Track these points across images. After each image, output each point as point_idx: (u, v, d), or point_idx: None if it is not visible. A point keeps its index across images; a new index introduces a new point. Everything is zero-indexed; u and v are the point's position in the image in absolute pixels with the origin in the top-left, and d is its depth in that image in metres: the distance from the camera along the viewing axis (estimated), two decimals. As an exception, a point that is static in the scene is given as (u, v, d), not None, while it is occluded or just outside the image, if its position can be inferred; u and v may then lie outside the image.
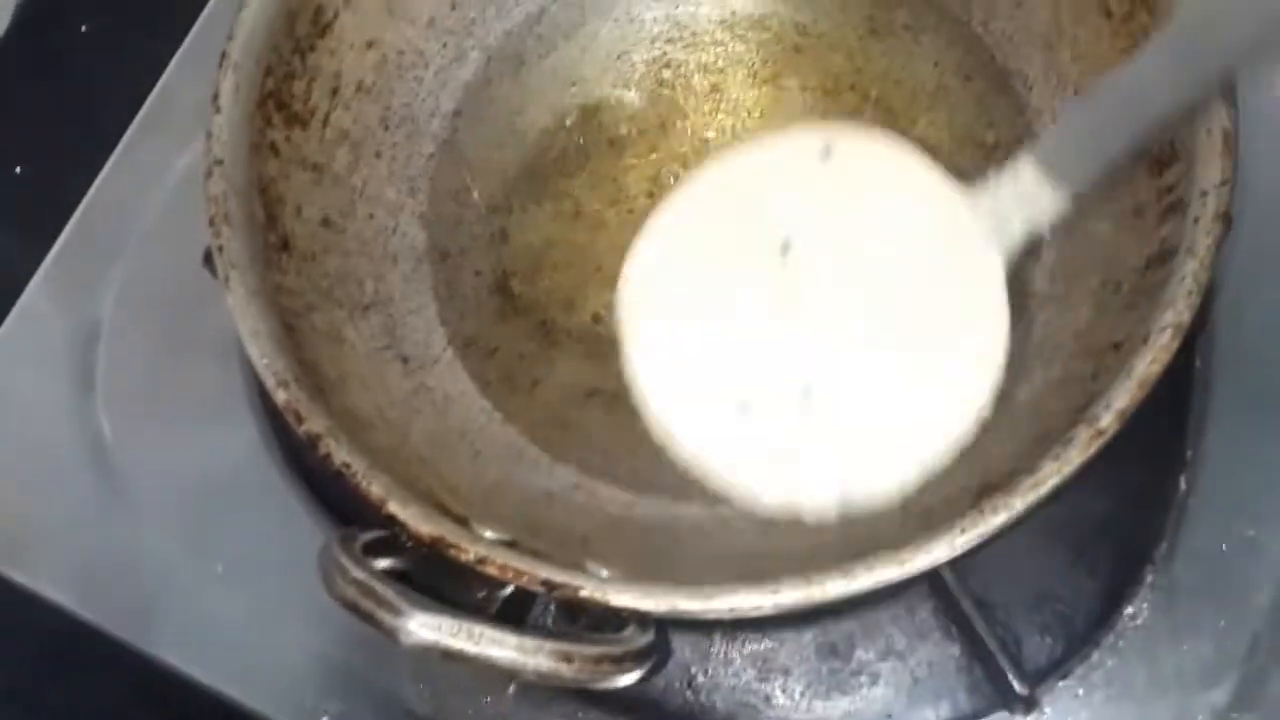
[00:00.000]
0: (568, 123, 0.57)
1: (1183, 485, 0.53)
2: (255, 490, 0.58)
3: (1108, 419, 0.42)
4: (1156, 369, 0.42)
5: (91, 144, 0.66)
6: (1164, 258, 0.44)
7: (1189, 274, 0.42)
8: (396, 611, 0.39)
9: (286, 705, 0.55)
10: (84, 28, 0.74)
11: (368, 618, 0.39)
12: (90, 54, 0.72)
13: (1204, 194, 0.43)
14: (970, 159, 0.54)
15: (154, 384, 0.60)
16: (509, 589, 0.44)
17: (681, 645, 0.54)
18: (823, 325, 0.43)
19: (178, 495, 0.58)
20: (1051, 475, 0.41)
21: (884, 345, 0.44)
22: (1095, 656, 0.52)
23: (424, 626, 0.39)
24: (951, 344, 0.43)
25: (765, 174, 0.45)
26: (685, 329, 0.45)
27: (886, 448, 0.44)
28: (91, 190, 0.64)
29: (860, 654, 0.53)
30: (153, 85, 0.67)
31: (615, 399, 0.54)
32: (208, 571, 0.57)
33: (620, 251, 0.56)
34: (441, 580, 0.45)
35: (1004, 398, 0.49)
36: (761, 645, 0.53)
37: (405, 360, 0.53)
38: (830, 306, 0.44)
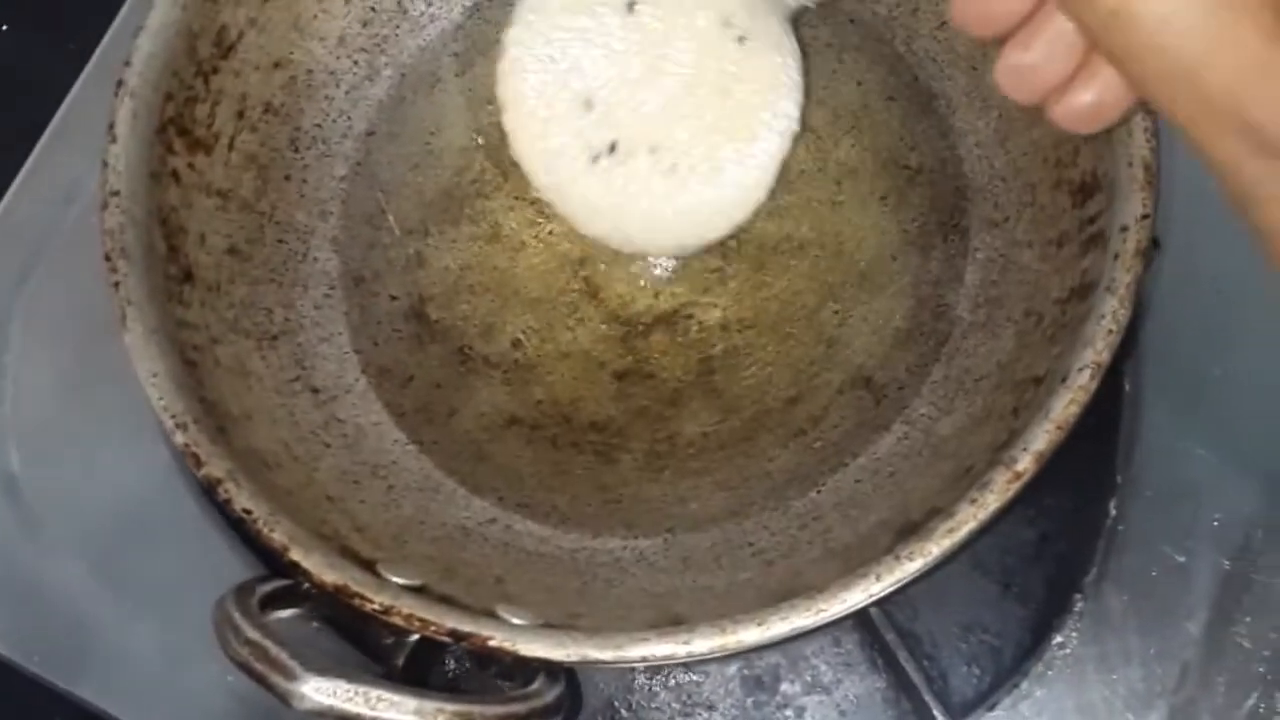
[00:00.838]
0: (484, 142, 0.56)
1: (1112, 511, 0.53)
2: (169, 520, 0.57)
3: (1025, 462, 0.41)
4: (1075, 410, 0.41)
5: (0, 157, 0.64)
6: (1085, 291, 0.43)
7: (1109, 312, 0.41)
8: (290, 675, 0.38)
9: (202, 739, 0.54)
10: (4, 27, 0.71)
11: (260, 680, 0.38)
12: (6, 62, 0.70)
13: (1124, 229, 0.42)
14: (893, 182, 0.52)
15: (64, 411, 0.58)
16: (419, 633, 0.43)
17: (605, 679, 0.53)
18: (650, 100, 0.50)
19: (89, 526, 0.57)
20: (968, 520, 0.40)
21: (704, 105, 0.50)
22: (1023, 686, 0.51)
23: (318, 691, 0.38)
24: (762, 86, 0.50)
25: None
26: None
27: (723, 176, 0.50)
28: (-2, 208, 0.62)
29: (785, 687, 0.52)
30: (66, 93, 0.65)
31: (535, 429, 0.53)
32: (120, 605, 0.55)
33: (539, 275, 0.55)
34: (355, 622, 0.44)
35: (926, 431, 0.48)
36: (685, 679, 0.52)
37: (315, 391, 0.51)
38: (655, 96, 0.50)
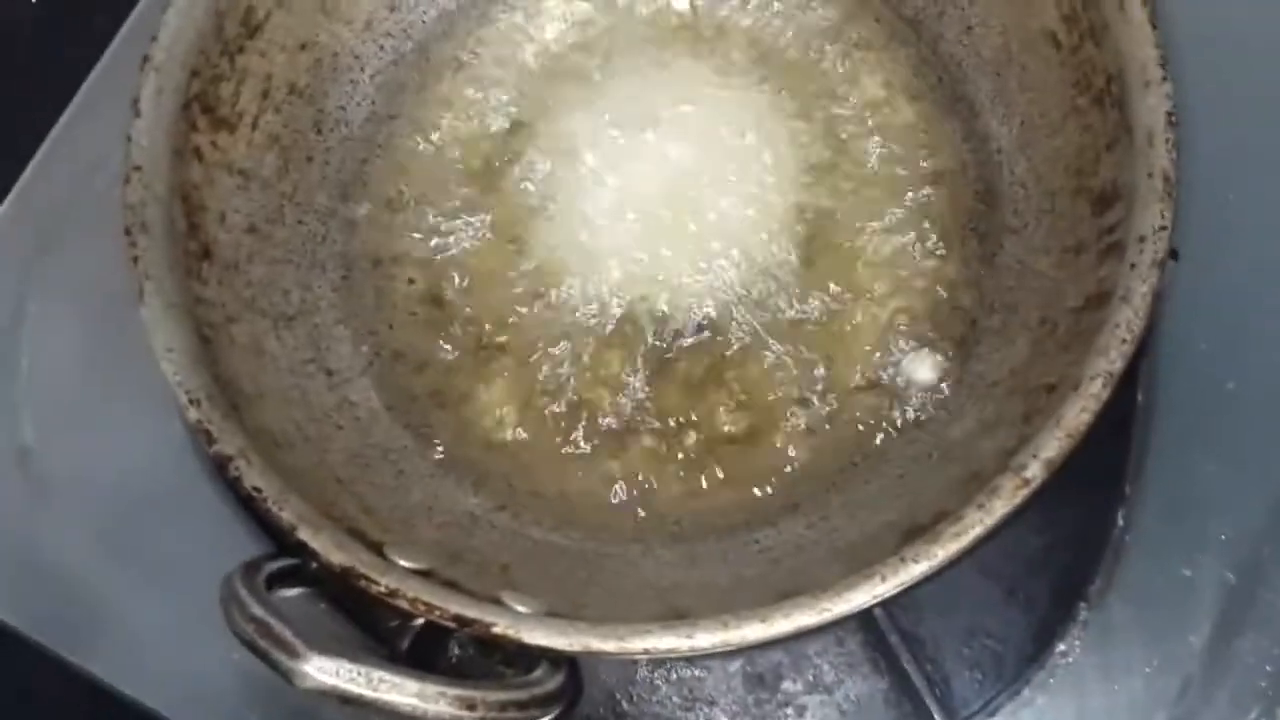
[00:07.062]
0: (509, 127, 0.56)
1: (1120, 522, 0.53)
2: (180, 495, 0.57)
3: (1034, 469, 0.41)
4: (1086, 418, 0.41)
5: (23, 131, 0.64)
6: (1101, 300, 0.43)
7: (1123, 322, 0.41)
8: (293, 653, 0.38)
9: (206, 715, 0.54)
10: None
11: (264, 657, 0.38)
12: (34, 34, 0.70)
13: (1142, 239, 0.42)
14: (912, 183, 0.52)
15: (79, 385, 0.58)
16: (424, 617, 0.43)
17: (608, 672, 0.52)
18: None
19: (100, 501, 0.57)
20: (975, 525, 0.41)
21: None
22: (1025, 694, 0.51)
23: (321, 670, 0.38)
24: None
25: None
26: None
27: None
28: (20, 181, 0.62)
29: (787, 685, 0.52)
30: (90, 69, 0.65)
31: (546, 418, 0.53)
32: (129, 581, 0.56)
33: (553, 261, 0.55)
34: (361, 604, 0.44)
35: (936, 435, 0.48)
36: (688, 674, 0.52)
37: (330, 373, 0.51)
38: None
